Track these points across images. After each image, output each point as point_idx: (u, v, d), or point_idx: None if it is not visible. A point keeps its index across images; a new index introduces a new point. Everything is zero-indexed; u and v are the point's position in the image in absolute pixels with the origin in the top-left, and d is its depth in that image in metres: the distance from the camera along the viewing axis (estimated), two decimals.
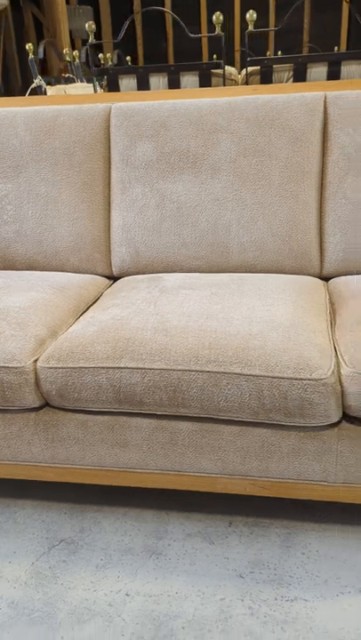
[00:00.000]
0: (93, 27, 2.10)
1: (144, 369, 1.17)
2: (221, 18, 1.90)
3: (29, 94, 2.53)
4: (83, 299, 1.55)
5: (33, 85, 2.47)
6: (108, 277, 1.77)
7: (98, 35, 9.01)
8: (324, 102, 1.60)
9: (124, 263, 1.72)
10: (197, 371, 1.15)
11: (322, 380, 1.10)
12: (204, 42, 7.78)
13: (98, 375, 1.19)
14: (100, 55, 3.22)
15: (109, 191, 1.72)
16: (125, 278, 1.68)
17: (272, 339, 1.18)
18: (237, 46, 7.56)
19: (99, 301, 1.51)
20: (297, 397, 1.11)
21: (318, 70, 1.91)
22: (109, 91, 2.09)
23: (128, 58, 4.02)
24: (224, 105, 1.64)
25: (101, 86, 2.21)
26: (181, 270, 1.69)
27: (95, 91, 2.23)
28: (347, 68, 1.90)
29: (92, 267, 1.75)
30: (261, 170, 1.60)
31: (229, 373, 1.14)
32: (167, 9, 8.52)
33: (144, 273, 1.72)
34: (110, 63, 3.05)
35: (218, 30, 1.93)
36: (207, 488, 1.27)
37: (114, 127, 1.69)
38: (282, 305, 1.34)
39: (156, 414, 1.22)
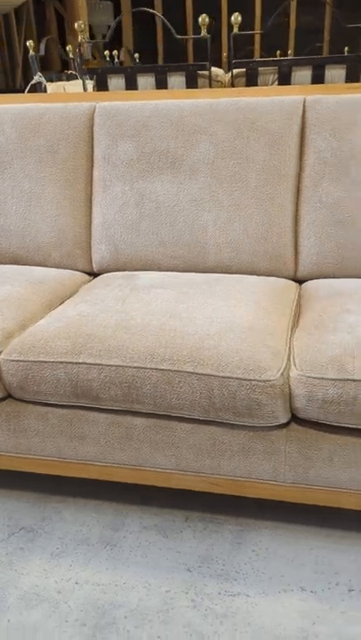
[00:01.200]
0: (83, 26, 2.13)
1: (101, 365, 1.20)
2: (207, 20, 1.92)
3: (29, 91, 2.57)
4: (58, 294, 1.58)
5: (33, 82, 2.51)
6: (89, 274, 1.80)
7: (118, 31, 9.04)
8: (303, 106, 1.61)
9: (103, 260, 1.75)
10: (151, 368, 1.18)
11: (270, 381, 1.13)
12: (224, 41, 7.77)
13: (56, 370, 1.22)
14: (106, 52, 3.25)
15: (91, 189, 1.75)
16: (104, 275, 1.71)
17: (228, 339, 1.20)
18: (256, 45, 7.54)
19: (72, 297, 1.55)
20: (245, 397, 1.14)
21: (303, 74, 1.92)
22: (98, 90, 2.12)
23: (137, 55, 4.04)
24: (205, 107, 1.66)
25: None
26: (159, 269, 1.71)
27: (85, 89, 2.26)
28: (331, 72, 1.91)
29: (73, 263, 1.78)
30: (239, 172, 1.62)
31: (182, 372, 1.17)
32: (188, 8, 8.53)
33: (123, 270, 1.74)
34: (117, 61, 3.07)
35: (203, 32, 1.95)
36: (162, 483, 1.30)
37: (97, 126, 1.72)
38: (246, 306, 1.36)
39: (112, 409, 1.25)
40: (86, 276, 1.77)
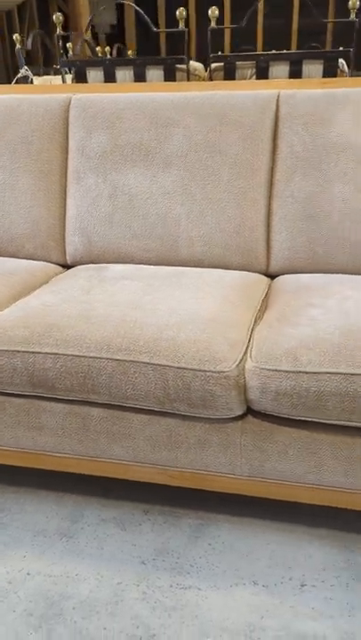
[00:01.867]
0: (61, 18, 2.13)
1: (57, 354, 1.19)
2: (185, 13, 1.91)
3: (15, 84, 2.57)
4: (28, 285, 1.58)
5: (19, 75, 2.51)
6: (63, 266, 1.79)
7: (121, 28, 9.04)
8: (277, 101, 1.60)
9: (77, 252, 1.74)
10: (107, 358, 1.17)
11: (224, 372, 1.12)
12: (227, 35, 7.74)
13: (13, 358, 1.21)
14: (98, 48, 3.24)
15: (66, 180, 1.75)
16: (77, 267, 1.70)
17: (187, 330, 1.19)
18: (259, 40, 7.54)
19: (40, 288, 1.54)
20: (200, 389, 1.13)
21: (281, 68, 1.91)
22: (77, 82, 2.12)
23: (130, 52, 4.04)
24: (180, 100, 1.65)
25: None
26: (132, 261, 1.70)
27: (64, 81, 2.26)
28: (308, 67, 1.90)
29: (47, 254, 1.78)
30: (211, 165, 1.61)
31: (138, 362, 1.16)
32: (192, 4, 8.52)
33: (96, 262, 1.74)
34: (109, 56, 3.07)
35: (181, 25, 1.94)
36: (121, 475, 1.29)
37: (72, 118, 1.72)
38: (211, 299, 1.35)
39: (68, 399, 1.24)
40: (59, 268, 1.76)
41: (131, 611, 1.10)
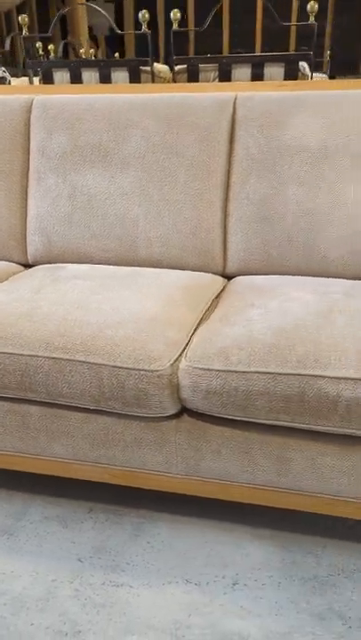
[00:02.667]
0: (26, 20, 2.14)
1: None
2: (147, 16, 1.93)
3: None
4: None
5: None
6: (25, 265, 1.80)
7: (121, 30, 9.08)
8: (234, 103, 1.61)
9: (37, 252, 1.75)
10: (44, 357, 1.18)
11: (157, 371, 1.12)
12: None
13: None
14: (92, 50, 3.26)
15: (27, 181, 1.76)
16: (36, 267, 1.71)
17: (126, 329, 1.20)
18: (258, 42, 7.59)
19: None
20: (133, 387, 1.13)
21: (243, 71, 1.92)
22: (44, 83, 2.13)
23: (117, 54, 4.06)
24: (139, 101, 1.66)
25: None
26: (92, 261, 1.71)
27: (31, 83, 2.27)
28: (270, 70, 1.90)
29: (8, 254, 1.79)
30: (168, 167, 1.62)
31: (74, 361, 1.17)
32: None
33: (57, 262, 1.75)
34: (94, 57, 3.08)
35: (144, 28, 1.95)
36: (63, 473, 1.30)
37: (34, 118, 1.73)
38: (158, 299, 1.36)
39: (7, 397, 1.25)
40: (20, 268, 1.78)
41: (61, 607, 1.10)
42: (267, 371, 1.07)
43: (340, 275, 1.55)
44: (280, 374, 1.07)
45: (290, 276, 1.55)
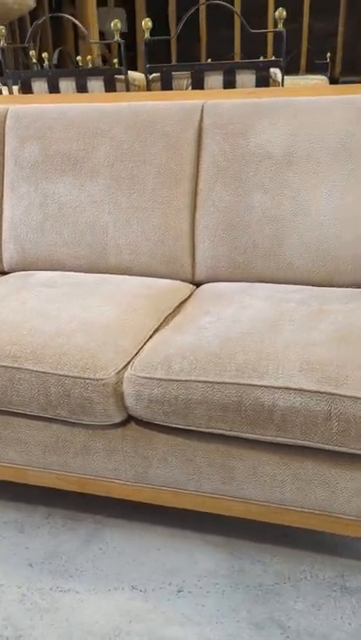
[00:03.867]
0: (3, 31, 2.17)
1: None
2: (119, 25, 1.94)
3: None
4: None
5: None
6: (1, 272, 1.83)
7: (133, 36, 9.17)
8: (202, 111, 1.62)
9: (12, 259, 1.78)
10: None
11: (102, 380, 1.14)
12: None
13: None
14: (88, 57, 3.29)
15: (2, 189, 1.79)
16: (9, 274, 1.74)
17: (78, 338, 1.22)
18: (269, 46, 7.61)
19: None
20: (79, 396, 1.15)
21: (215, 78, 1.93)
22: (23, 93, 2.17)
23: (115, 60, 4.09)
24: (109, 110, 1.68)
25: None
26: (64, 269, 1.73)
27: (10, 92, 2.30)
28: (241, 77, 1.91)
29: None
30: (137, 175, 1.63)
31: (22, 369, 1.19)
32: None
33: (30, 269, 1.77)
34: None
35: (117, 37, 1.97)
36: (20, 479, 1.32)
37: (8, 128, 1.76)
38: (116, 307, 1.37)
39: None
40: None
41: (4, 611, 1.12)
42: (206, 380, 1.08)
43: (307, 282, 1.55)
44: (218, 383, 1.07)
45: (255, 283, 1.55)
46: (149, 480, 1.21)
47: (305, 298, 1.38)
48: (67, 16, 3.00)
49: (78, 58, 3.09)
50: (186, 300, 1.53)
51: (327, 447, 1.04)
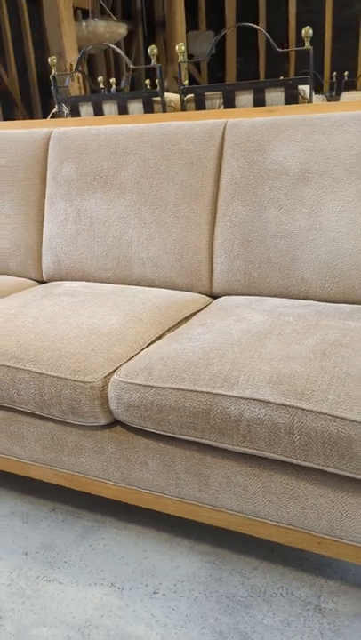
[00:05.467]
0: (55, 60, 2.33)
1: None
2: (155, 50, 2.03)
3: (50, 118, 2.83)
4: None
5: (54, 110, 2.76)
6: (40, 282, 1.97)
7: (222, 57, 9.38)
8: (224, 129, 1.67)
9: (49, 270, 1.91)
10: (0, 365, 1.31)
11: (90, 383, 1.21)
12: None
13: None
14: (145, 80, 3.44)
15: (43, 205, 1.93)
16: (45, 284, 1.87)
17: (77, 343, 1.30)
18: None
19: None
20: (69, 397, 1.23)
21: (245, 97, 1.95)
22: (72, 116, 2.31)
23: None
24: (138, 131, 1.77)
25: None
26: (94, 280, 1.84)
27: (66, 116, 2.45)
28: (270, 95, 1.92)
29: (26, 271, 1.97)
30: (160, 191, 1.71)
31: (22, 369, 1.28)
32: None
33: (65, 280, 1.90)
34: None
35: (154, 62, 2.06)
36: (23, 472, 1.41)
37: (50, 149, 1.91)
38: (125, 316, 1.44)
39: None
40: (36, 284, 1.95)
41: None
42: (179, 387, 1.12)
43: (320, 297, 1.54)
44: (190, 391, 1.11)
45: (266, 298, 1.57)
46: (134, 482, 1.26)
47: (307, 313, 1.38)
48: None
49: (147, 81, 3.22)
50: (197, 312, 1.57)
51: (292, 461, 1.04)
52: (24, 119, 6.08)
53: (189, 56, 9.42)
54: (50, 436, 1.32)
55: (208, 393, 1.09)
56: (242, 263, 1.61)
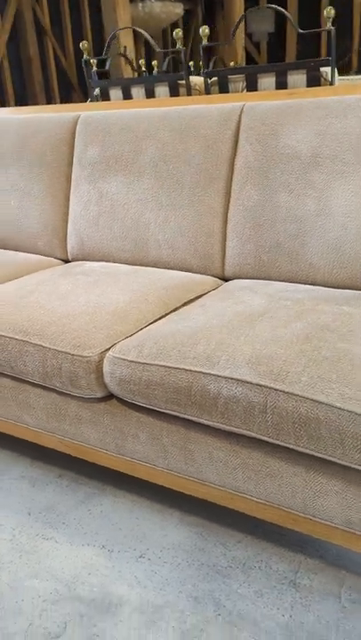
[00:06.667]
0: (86, 45, 2.37)
1: None
2: (181, 34, 2.03)
3: (90, 102, 2.90)
4: (17, 274, 1.87)
5: (95, 93, 2.83)
6: (65, 261, 2.06)
7: (283, 37, 9.16)
8: (240, 113, 1.68)
9: (73, 250, 2.00)
10: (9, 337, 1.40)
11: (87, 357, 1.28)
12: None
13: None
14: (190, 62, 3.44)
15: (69, 187, 2.01)
16: (68, 263, 1.96)
17: (81, 320, 1.38)
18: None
19: (19, 279, 1.82)
20: (68, 370, 1.30)
21: (268, 80, 1.93)
22: (103, 100, 2.36)
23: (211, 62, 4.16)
24: (158, 114, 1.81)
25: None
26: (113, 260, 1.91)
27: (97, 100, 2.50)
28: (293, 78, 1.89)
29: (53, 251, 2.06)
30: (176, 175, 1.75)
31: (29, 342, 1.37)
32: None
33: (87, 260, 1.98)
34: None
35: (178, 45, 2.06)
36: (33, 439, 1.51)
37: (77, 133, 1.98)
38: (132, 295, 1.50)
39: None
40: (61, 263, 2.03)
41: None
42: (165, 364, 1.17)
43: (326, 283, 1.55)
44: (175, 368, 1.15)
45: (273, 282, 1.59)
46: (127, 453, 1.33)
47: (306, 297, 1.39)
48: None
49: (191, 63, 3.23)
50: (204, 294, 1.61)
51: (266, 439, 1.08)
52: (80, 102, 6.19)
53: (248, 35, 9.26)
54: (53, 406, 1.41)
55: (190, 371, 1.14)
56: (252, 247, 1.63)
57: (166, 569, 1.23)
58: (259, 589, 1.16)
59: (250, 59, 9.46)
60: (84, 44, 2.40)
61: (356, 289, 1.51)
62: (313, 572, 1.19)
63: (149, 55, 7.93)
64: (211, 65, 3.24)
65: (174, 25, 8.00)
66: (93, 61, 2.76)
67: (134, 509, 1.41)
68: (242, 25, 8.33)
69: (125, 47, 4.86)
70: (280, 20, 9.42)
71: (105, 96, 2.39)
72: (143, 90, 2.25)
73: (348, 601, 1.12)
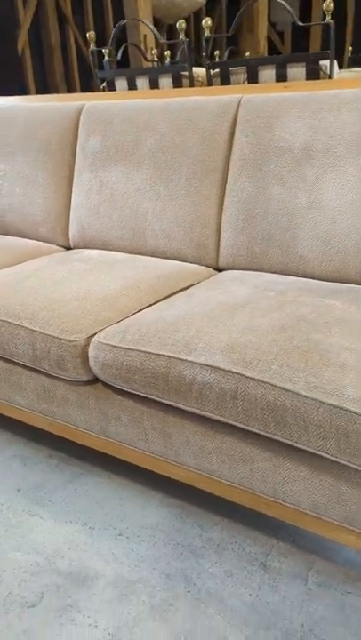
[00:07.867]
0: (93, 35, 2.40)
1: None
2: (184, 25, 2.04)
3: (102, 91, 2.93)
4: (15, 260, 1.92)
5: (104, 84, 2.86)
6: (67, 248, 2.11)
7: (307, 31, 9.02)
8: (238, 105, 1.70)
9: (75, 237, 2.04)
10: (2, 320, 1.45)
11: (73, 342, 1.33)
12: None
13: None
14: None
15: (72, 176, 2.05)
16: (69, 251, 2.01)
17: (72, 305, 1.42)
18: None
19: (18, 265, 1.87)
20: (55, 353, 1.35)
21: (268, 72, 1.94)
22: (109, 90, 2.38)
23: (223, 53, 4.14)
24: (159, 106, 1.84)
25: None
26: (112, 248, 1.95)
27: (104, 90, 2.52)
28: (292, 70, 1.89)
29: (55, 238, 2.11)
30: (174, 165, 1.78)
31: (20, 326, 1.42)
32: None
33: (88, 247, 2.02)
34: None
35: (182, 36, 2.07)
36: (25, 419, 1.56)
37: (81, 123, 2.01)
38: (124, 283, 1.54)
39: None
40: (62, 250, 2.08)
41: None
42: (145, 350, 1.21)
43: (316, 276, 1.57)
44: (154, 354, 1.19)
45: (264, 273, 1.61)
46: (111, 435, 1.38)
47: (290, 289, 1.42)
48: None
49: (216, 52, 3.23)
50: (196, 284, 1.64)
51: (237, 424, 1.11)
52: (99, 91, 6.22)
53: (272, 24, 9.16)
54: (42, 388, 1.46)
55: (168, 357, 1.17)
56: (245, 238, 1.66)
57: (143, 547, 1.28)
58: (229, 569, 1.20)
59: (273, 48, 9.36)
60: (90, 35, 2.43)
61: (343, 282, 1.53)
62: (284, 555, 1.23)
63: (169, 45, 7.91)
64: (225, 55, 3.25)
65: (197, 13, 7.96)
66: (105, 51, 2.79)
67: (118, 490, 1.46)
68: (265, 15, 8.24)
69: (145, 36, 4.87)
70: (305, 8, 9.29)
71: (111, 86, 2.42)
72: (148, 80, 2.27)
73: (315, 584, 1.15)
